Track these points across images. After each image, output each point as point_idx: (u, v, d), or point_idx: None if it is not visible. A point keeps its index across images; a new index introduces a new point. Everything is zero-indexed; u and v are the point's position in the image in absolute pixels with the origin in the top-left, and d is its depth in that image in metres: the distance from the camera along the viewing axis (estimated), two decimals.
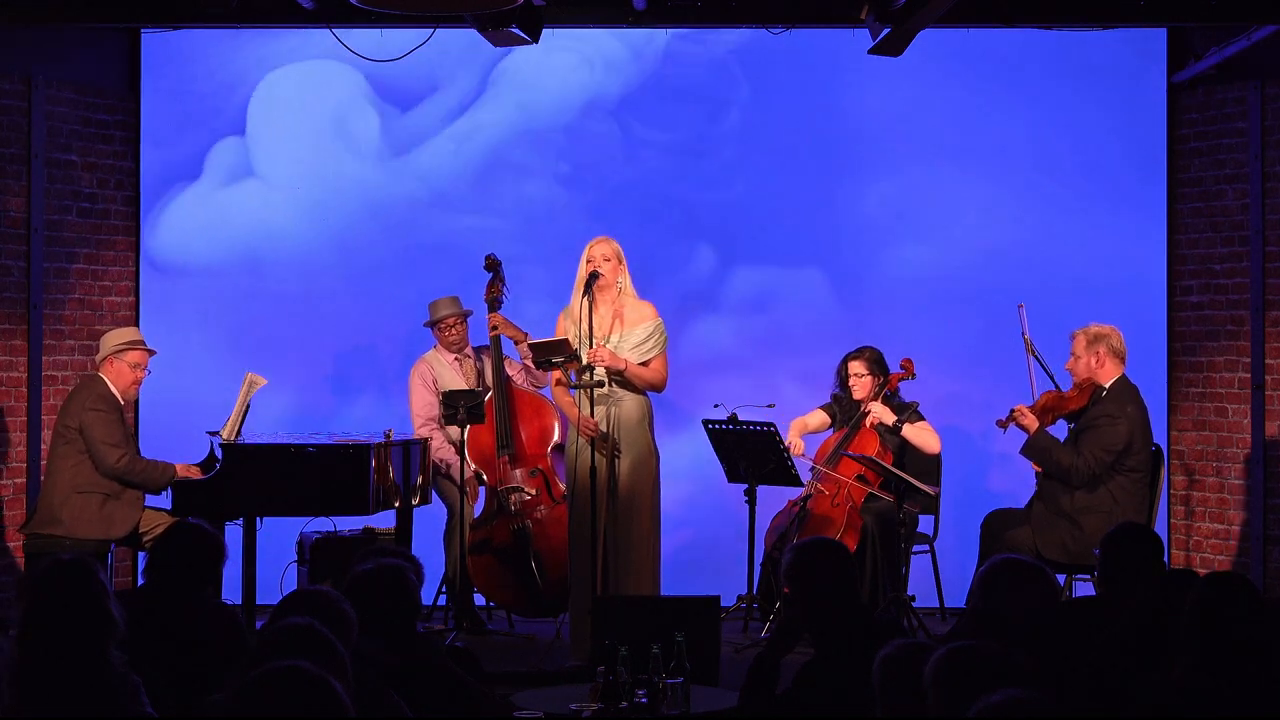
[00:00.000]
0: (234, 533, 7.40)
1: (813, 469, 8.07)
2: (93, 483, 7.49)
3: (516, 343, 8.21)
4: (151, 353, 7.78)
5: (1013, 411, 7.64)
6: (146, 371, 7.76)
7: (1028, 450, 7.65)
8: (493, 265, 8.18)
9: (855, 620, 4.68)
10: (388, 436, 7.63)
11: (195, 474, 7.62)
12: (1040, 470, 7.71)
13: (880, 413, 8.00)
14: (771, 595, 7.82)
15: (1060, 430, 7.76)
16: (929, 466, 8.16)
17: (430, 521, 8.38)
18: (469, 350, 8.44)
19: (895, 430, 7.98)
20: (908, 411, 8.07)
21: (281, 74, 9.16)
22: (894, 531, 7.88)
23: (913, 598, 7.92)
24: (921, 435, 8.02)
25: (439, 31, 8.09)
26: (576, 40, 9.03)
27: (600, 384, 7.23)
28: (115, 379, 7.63)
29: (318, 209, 9.16)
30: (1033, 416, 7.60)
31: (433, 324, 8.41)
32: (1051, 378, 7.85)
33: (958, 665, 3.29)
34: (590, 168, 9.14)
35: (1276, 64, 8.39)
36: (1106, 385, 7.63)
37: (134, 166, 9.04)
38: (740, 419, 7.98)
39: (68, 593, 3.87)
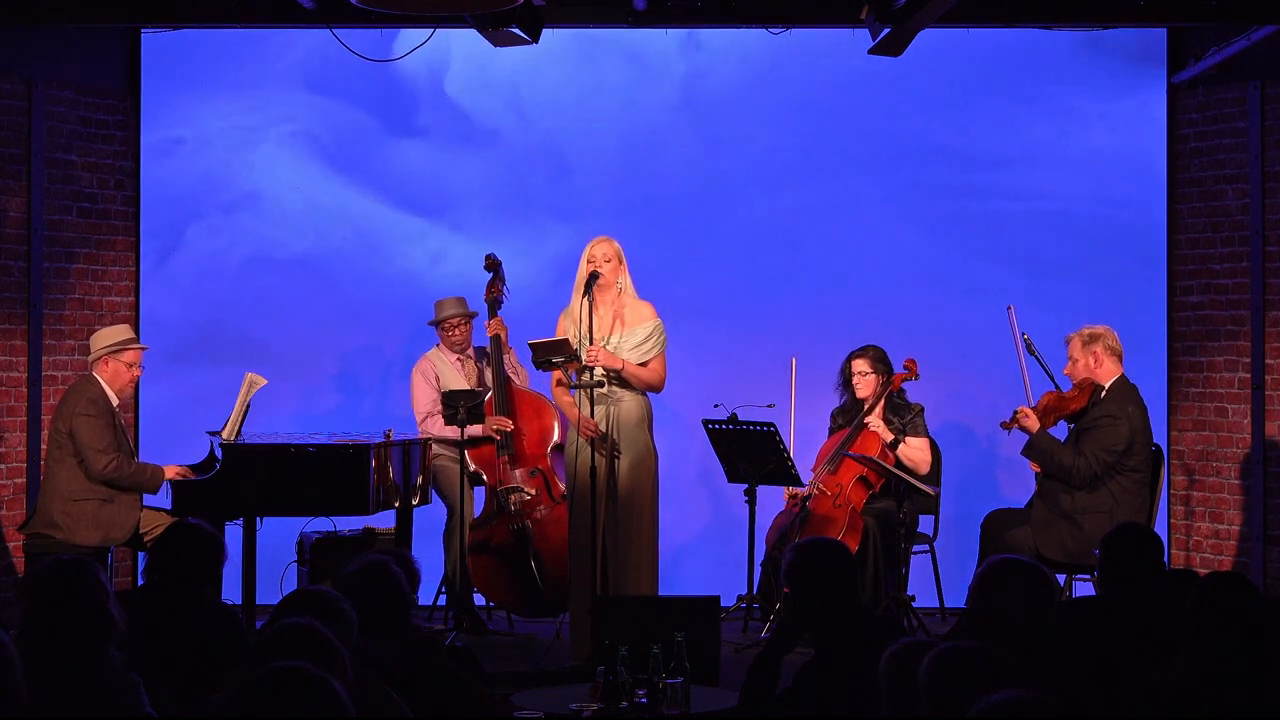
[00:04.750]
0: (234, 533, 7.40)
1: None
2: (87, 489, 7.48)
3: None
4: (144, 349, 7.79)
5: (1016, 413, 7.64)
6: (141, 369, 7.77)
7: (1029, 451, 7.65)
8: (493, 265, 8.18)
9: (855, 620, 4.68)
10: (388, 436, 7.63)
11: (188, 475, 7.62)
12: (1040, 470, 7.70)
13: (879, 429, 8.00)
14: (771, 595, 7.82)
15: (1061, 431, 7.76)
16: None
17: (430, 521, 8.38)
18: (471, 351, 8.44)
19: (892, 448, 7.98)
20: (910, 414, 8.06)
21: (281, 71, 9.17)
22: (895, 532, 7.88)
23: (913, 598, 7.92)
24: (913, 454, 8.02)
25: (438, 31, 8.10)
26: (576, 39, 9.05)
27: (600, 384, 7.23)
28: (111, 379, 7.62)
29: (318, 206, 9.17)
30: (1035, 418, 7.60)
31: (437, 323, 8.41)
32: (1051, 378, 7.84)
33: (947, 667, 3.29)
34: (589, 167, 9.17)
35: (1276, 64, 8.39)
36: (1106, 385, 7.62)
37: (134, 166, 9.04)
38: (740, 419, 7.98)
39: (68, 593, 3.87)
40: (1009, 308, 7.94)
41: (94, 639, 3.84)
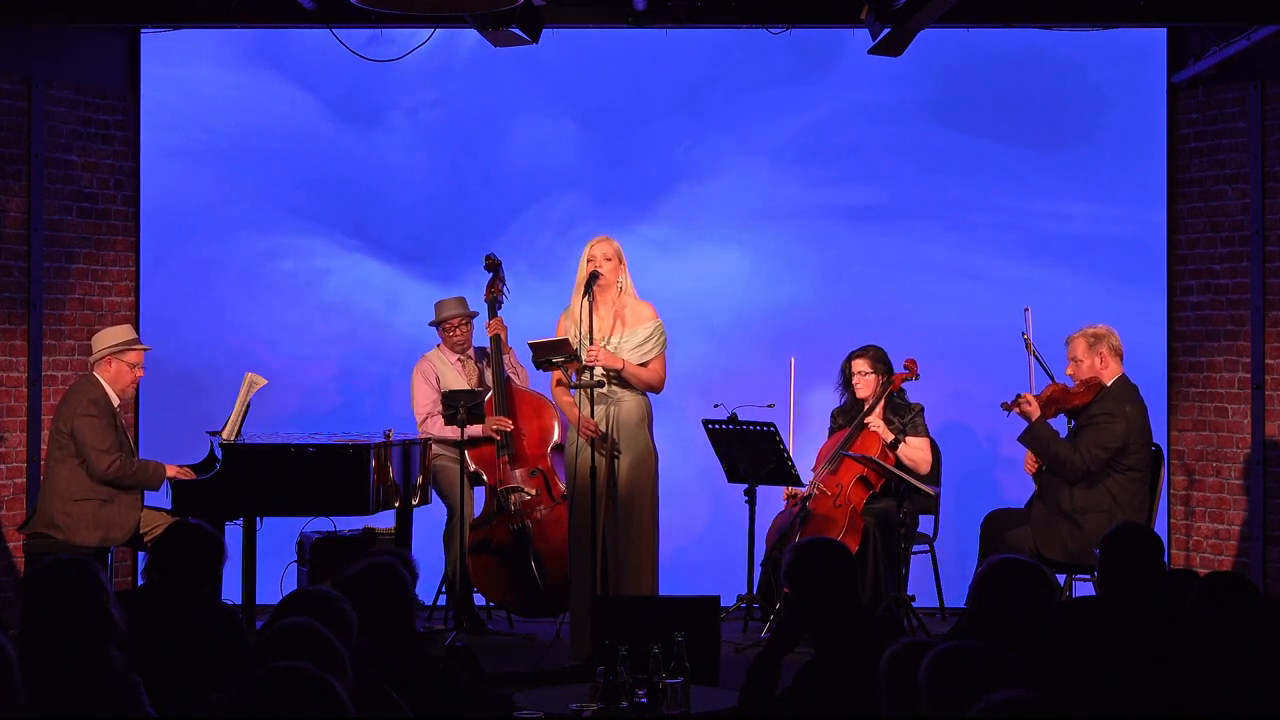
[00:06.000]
0: (234, 533, 7.40)
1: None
2: (87, 489, 7.47)
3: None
4: (147, 349, 7.79)
5: (1019, 397, 7.63)
6: (144, 370, 7.77)
7: (1026, 437, 7.63)
8: (493, 265, 8.18)
9: (855, 620, 4.68)
10: (388, 436, 7.63)
11: (188, 475, 7.61)
12: (1036, 468, 7.69)
13: (879, 429, 8.00)
14: (771, 595, 7.82)
15: (1061, 427, 7.76)
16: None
17: (430, 521, 8.38)
18: (471, 351, 8.44)
19: (892, 448, 7.98)
20: (910, 414, 8.06)
21: (281, 70, 9.17)
22: (895, 532, 7.88)
23: (913, 598, 7.92)
24: (913, 454, 8.02)
25: (438, 31, 8.10)
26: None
27: (600, 384, 7.23)
28: (114, 380, 7.62)
29: (318, 205, 9.17)
30: (1036, 405, 7.60)
31: (438, 323, 8.41)
32: (1051, 377, 7.84)
33: (947, 667, 3.29)
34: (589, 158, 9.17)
35: (1276, 64, 8.39)
36: (1109, 384, 7.63)
37: (134, 166, 9.04)
38: (740, 419, 7.98)
39: (68, 593, 3.86)
40: (1026, 309, 7.88)
41: (94, 639, 3.84)
